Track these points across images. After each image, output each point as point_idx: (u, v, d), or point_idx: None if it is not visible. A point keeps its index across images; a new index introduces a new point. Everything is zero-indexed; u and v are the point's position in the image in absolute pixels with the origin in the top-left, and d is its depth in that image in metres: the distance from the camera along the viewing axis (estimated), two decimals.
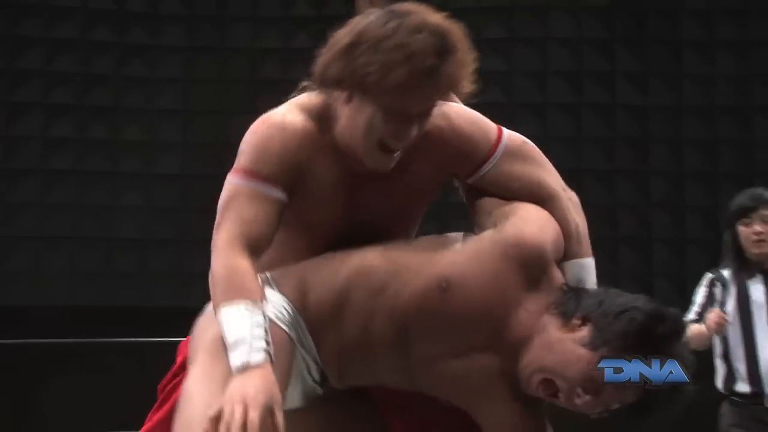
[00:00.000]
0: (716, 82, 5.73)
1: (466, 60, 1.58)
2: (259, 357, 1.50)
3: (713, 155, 5.70)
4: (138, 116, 5.83)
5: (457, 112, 1.70)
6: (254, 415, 1.46)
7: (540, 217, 1.66)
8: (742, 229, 3.42)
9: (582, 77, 5.74)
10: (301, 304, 1.63)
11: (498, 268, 1.59)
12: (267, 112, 1.69)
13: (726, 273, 3.47)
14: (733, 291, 3.41)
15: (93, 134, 5.77)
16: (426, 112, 1.62)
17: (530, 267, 1.60)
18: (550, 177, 1.74)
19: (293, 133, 1.64)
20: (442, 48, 1.55)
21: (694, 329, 3.33)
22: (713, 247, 5.63)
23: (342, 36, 1.62)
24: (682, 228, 5.66)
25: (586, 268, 1.70)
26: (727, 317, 3.30)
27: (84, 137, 5.76)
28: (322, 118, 1.66)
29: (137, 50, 5.86)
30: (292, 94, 1.70)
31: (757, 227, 3.38)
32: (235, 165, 1.66)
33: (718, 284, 3.45)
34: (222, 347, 1.52)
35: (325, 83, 1.63)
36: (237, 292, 1.55)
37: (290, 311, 1.63)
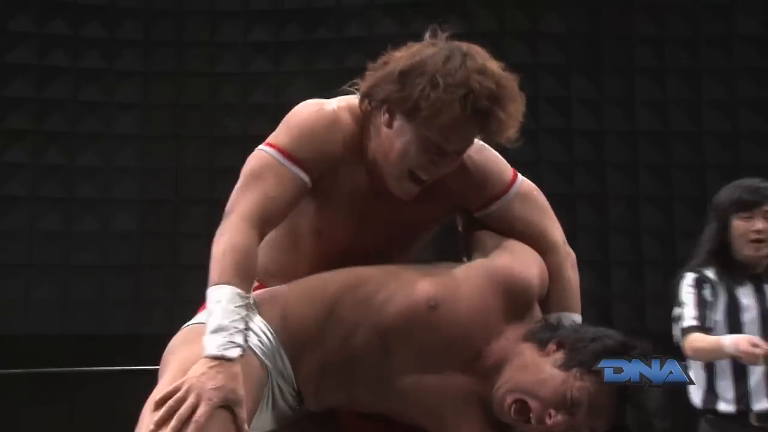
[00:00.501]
0: (668, 107, 5.84)
1: (517, 112, 1.62)
2: (234, 353, 1.50)
3: (667, 178, 5.80)
4: (94, 141, 5.78)
5: (477, 148, 1.72)
6: (202, 412, 1.45)
7: (530, 257, 1.71)
8: (738, 224, 2.95)
9: (539, 102, 5.82)
10: (281, 328, 1.64)
11: (485, 296, 1.63)
12: (317, 100, 1.71)
13: (710, 274, 2.98)
14: (722, 295, 2.95)
15: (48, 160, 5.70)
16: (461, 151, 1.66)
17: (516, 299, 1.65)
18: (554, 228, 1.79)
19: (339, 130, 1.68)
20: (499, 95, 1.58)
21: (704, 340, 2.86)
22: (670, 268, 5.72)
23: (399, 59, 1.63)
24: (639, 250, 5.73)
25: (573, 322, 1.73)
26: (764, 347, 2.71)
27: (39, 163, 5.69)
28: (363, 126, 1.69)
29: (93, 75, 5.81)
30: (345, 86, 1.72)
31: (759, 224, 2.92)
32: (274, 137, 1.68)
33: (707, 286, 2.95)
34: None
35: (370, 99, 1.66)
36: (236, 275, 1.56)
37: (270, 337, 1.64)
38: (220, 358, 1.49)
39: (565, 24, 5.90)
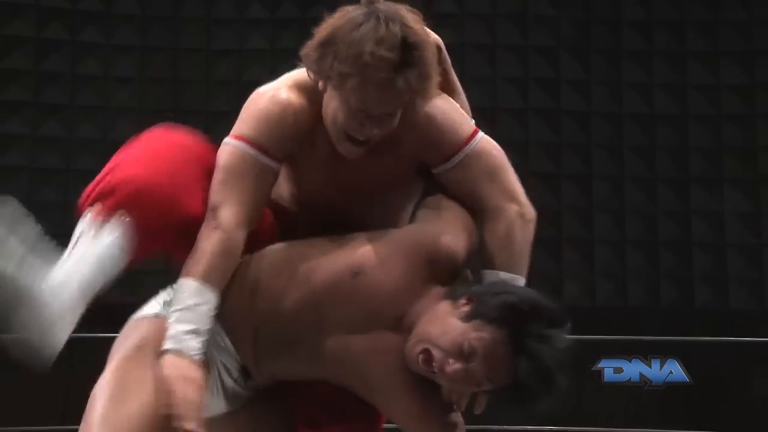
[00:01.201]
0: (654, 90, 5.94)
1: (426, 73, 1.60)
2: (199, 358, 1.62)
3: (651, 160, 5.91)
4: (92, 115, 5.84)
5: (436, 104, 1.71)
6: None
7: (462, 222, 1.74)
8: None
9: (528, 83, 5.92)
10: (219, 311, 1.70)
11: (407, 262, 1.68)
12: (265, 86, 1.76)
13: None
14: None
15: (46, 132, 5.77)
16: (391, 113, 1.64)
17: (438, 265, 1.69)
18: (500, 191, 1.75)
19: (290, 112, 1.70)
20: (399, 62, 1.56)
21: None
22: (652, 248, 5.86)
23: (324, 27, 1.64)
24: (622, 229, 5.86)
25: (514, 283, 1.72)
26: None
27: (37, 135, 5.76)
28: (313, 94, 1.71)
29: (91, 49, 5.87)
30: (298, 66, 1.73)
31: None
32: (236, 130, 1.72)
33: None
34: (138, 356, 1.64)
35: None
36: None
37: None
38: (192, 358, 1.60)
39: (555, 6, 5.99)
